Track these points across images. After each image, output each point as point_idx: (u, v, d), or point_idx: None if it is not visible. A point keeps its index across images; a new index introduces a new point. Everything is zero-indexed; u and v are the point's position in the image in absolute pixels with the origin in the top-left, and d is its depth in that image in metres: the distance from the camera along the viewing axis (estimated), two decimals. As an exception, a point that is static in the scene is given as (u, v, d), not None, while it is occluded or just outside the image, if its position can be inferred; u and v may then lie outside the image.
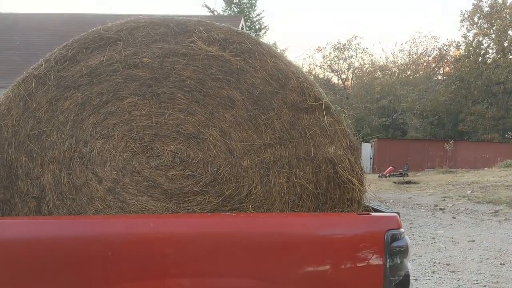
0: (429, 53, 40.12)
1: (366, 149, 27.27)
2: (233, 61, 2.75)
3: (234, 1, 32.02)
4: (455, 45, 39.35)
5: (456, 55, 38.59)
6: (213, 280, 2.35)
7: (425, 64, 40.02)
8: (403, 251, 2.35)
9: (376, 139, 29.33)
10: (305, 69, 36.92)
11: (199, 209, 2.72)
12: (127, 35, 2.74)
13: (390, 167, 22.92)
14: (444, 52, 39.43)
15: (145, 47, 2.75)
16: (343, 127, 2.74)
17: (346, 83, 40.69)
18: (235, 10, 31.78)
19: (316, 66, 40.41)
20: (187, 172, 2.75)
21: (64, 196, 2.71)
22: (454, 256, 7.23)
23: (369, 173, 24.19)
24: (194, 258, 2.33)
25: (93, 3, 63.27)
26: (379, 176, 21.92)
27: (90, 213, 2.69)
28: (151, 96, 2.77)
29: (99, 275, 2.30)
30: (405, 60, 40.35)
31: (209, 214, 2.67)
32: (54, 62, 2.73)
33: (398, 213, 2.47)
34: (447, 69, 39.71)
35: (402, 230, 2.38)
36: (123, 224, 2.44)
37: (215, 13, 31.18)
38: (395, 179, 20.05)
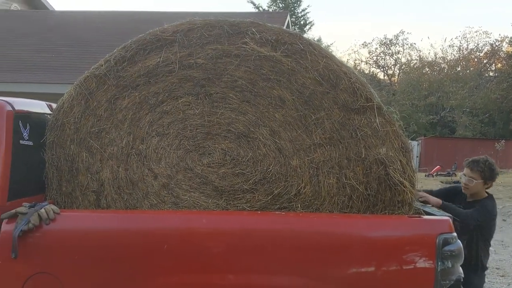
0: (480, 48, 38.58)
1: (413, 148, 26.64)
2: (284, 61, 2.79)
3: (280, -4, 31.93)
4: (507, 41, 37.68)
5: (508, 51, 36.91)
6: (263, 277, 2.42)
7: (475, 60, 38.53)
8: (455, 256, 2.33)
9: (423, 137, 28.59)
10: (350, 64, 36.39)
11: (248, 207, 2.78)
12: (182, 36, 2.82)
13: (438, 166, 22.30)
14: (496, 48, 37.78)
15: (199, 48, 2.83)
16: (395, 128, 2.72)
17: (392, 79, 39.82)
18: (280, 5, 31.67)
19: (362, 61, 39.78)
20: (237, 170, 2.82)
21: (121, 191, 2.84)
22: (504, 260, 7.00)
23: (417, 171, 23.62)
24: (245, 255, 2.40)
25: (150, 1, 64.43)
26: (425, 175, 21.40)
27: (145, 208, 2.81)
28: (204, 96, 2.85)
29: (155, 266, 2.41)
30: (454, 56, 38.97)
31: (259, 212, 2.72)
32: (113, 62, 2.85)
33: (451, 217, 2.44)
34: (499, 65, 38.04)
35: (454, 234, 2.36)
36: (178, 219, 2.54)
37: (260, 9, 31.22)
38: (442, 178, 19.50)
